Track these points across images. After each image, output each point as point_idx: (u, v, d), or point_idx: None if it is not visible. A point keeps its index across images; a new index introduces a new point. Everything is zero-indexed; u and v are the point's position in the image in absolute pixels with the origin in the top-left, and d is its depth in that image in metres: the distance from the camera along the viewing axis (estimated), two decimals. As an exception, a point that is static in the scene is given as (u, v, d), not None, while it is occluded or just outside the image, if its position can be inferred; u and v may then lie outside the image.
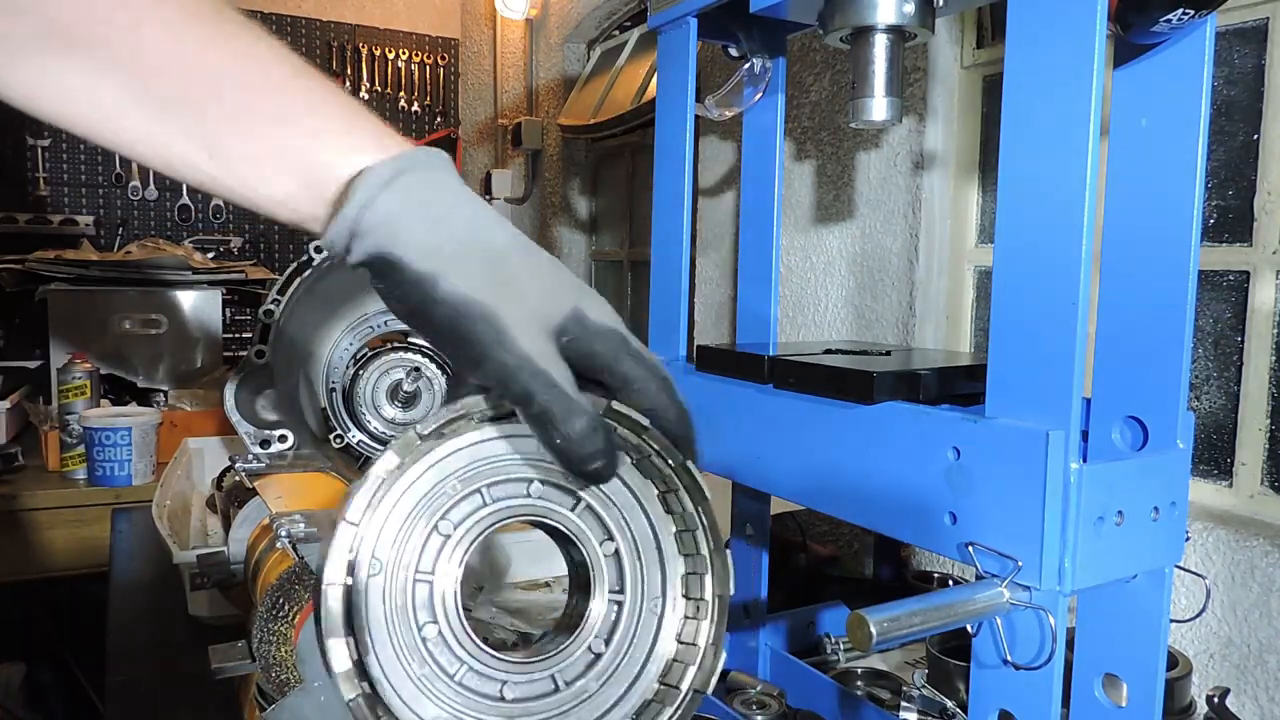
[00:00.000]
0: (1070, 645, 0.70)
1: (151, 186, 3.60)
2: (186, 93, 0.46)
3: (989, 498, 0.66)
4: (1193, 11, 0.64)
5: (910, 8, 0.78)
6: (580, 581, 0.65)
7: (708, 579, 0.65)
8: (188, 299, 2.84)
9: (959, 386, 0.79)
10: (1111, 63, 0.71)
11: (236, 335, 3.46)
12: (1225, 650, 1.17)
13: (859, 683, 1.13)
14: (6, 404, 2.37)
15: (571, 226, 3.28)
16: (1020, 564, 0.63)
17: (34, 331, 3.35)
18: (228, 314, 3.36)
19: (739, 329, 1.11)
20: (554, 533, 0.65)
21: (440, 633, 0.59)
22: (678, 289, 1.02)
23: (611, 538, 0.63)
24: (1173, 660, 0.99)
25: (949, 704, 0.99)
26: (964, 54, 1.59)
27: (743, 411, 0.89)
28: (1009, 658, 0.64)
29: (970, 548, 0.66)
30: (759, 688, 1.04)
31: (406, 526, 0.59)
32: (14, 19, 0.45)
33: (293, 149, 0.47)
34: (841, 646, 1.13)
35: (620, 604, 0.63)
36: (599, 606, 0.63)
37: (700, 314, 2.19)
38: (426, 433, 0.59)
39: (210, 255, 3.49)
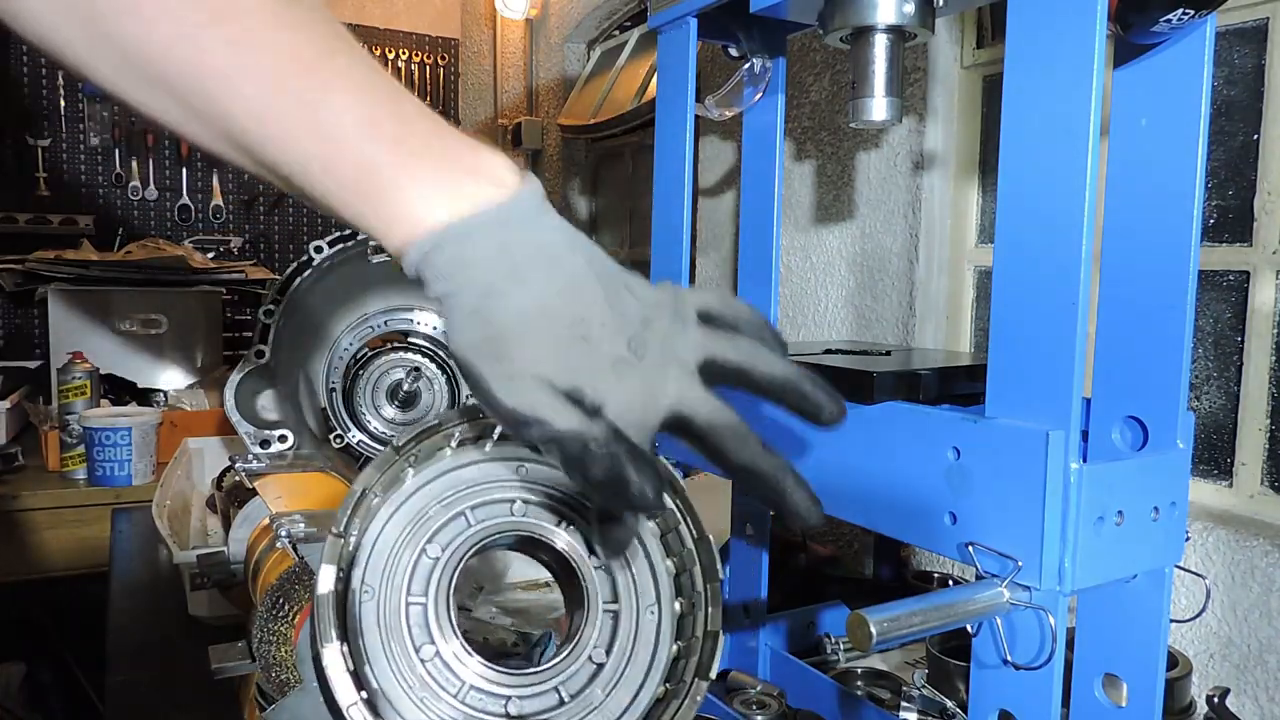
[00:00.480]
0: (1070, 645, 0.70)
1: (151, 186, 3.60)
2: (276, 155, 0.48)
3: (989, 498, 0.66)
4: (1193, 11, 0.64)
5: (910, 8, 0.78)
6: (574, 596, 0.65)
7: (696, 571, 0.65)
8: (188, 299, 2.84)
9: (959, 386, 0.79)
10: (1111, 63, 0.71)
11: (236, 335, 3.46)
12: (1225, 650, 1.17)
13: (859, 683, 1.13)
14: (6, 404, 2.37)
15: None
16: (1020, 564, 0.63)
17: (34, 331, 3.35)
18: (228, 314, 3.36)
19: (739, 329, 1.11)
20: (542, 549, 0.65)
21: (439, 653, 0.59)
22: (678, 289, 1.02)
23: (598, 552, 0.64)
24: (1173, 660, 0.99)
25: (949, 704, 0.99)
26: (964, 54, 1.59)
27: (742, 412, 0.88)
28: (1009, 658, 0.64)
29: (970, 548, 0.66)
30: (759, 688, 1.04)
31: (394, 553, 0.60)
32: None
33: (371, 191, 0.49)
34: (841, 646, 1.13)
35: (616, 614, 0.63)
36: (595, 619, 0.63)
37: (700, 314, 2.19)
38: (401, 444, 0.60)
39: (210, 255, 3.49)
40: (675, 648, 0.64)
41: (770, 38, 1.02)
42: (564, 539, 0.64)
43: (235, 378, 1.24)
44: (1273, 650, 1.13)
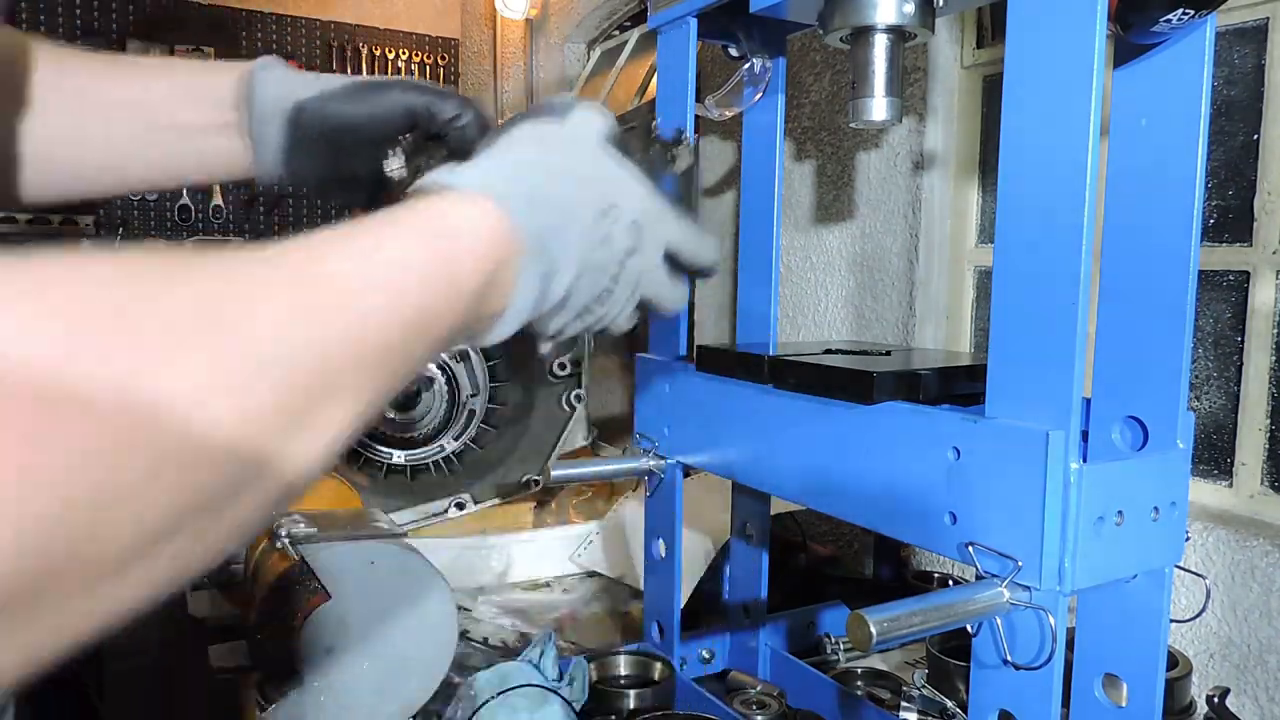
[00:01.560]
0: (1070, 645, 0.70)
1: (151, 186, 3.60)
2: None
3: (989, 498, 0.66)
4: (1193, 11, 0.64)
5: (910, 8, 0.78)
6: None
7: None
8: (188, 299, 2.84)
9: (959, 386, 0.79)
10: (1111, 63, 0.71)
11: (236, 335, 3.45)
12: (1225, 650, 1.17)
13: (859, 683, 1.13)
14: (6, 404, 2.36)
15: (571, 226, 3.28)
16: (1020, 564, 0.63)
17: (34, 331, 3.35)
18: (228, 314, 3.36)
19: (739, 329, 1.11)
20: None
21: None
22: (678, 289, 1.02)
23: None
24: (1173, 660, 0.99)
25: (949, 704, 0.99)
26: (964, 54, 1.59)
27: (743, 411, 0.89)
28: (1009, 658, 0.64)
29: (970, 548, 0.66)
30: (759, 688, 1.04)
31: None
32: None
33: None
34: (841, 646, 1.13)
35: None
36: None
37: (700, 314, 2.19)
38: None
39: (210, 255, 3.49)
40: None
41: (770, 38, 1.02)
42: None
43: (235, 378, 1.23)
44: (1273, 650, 1.13)
